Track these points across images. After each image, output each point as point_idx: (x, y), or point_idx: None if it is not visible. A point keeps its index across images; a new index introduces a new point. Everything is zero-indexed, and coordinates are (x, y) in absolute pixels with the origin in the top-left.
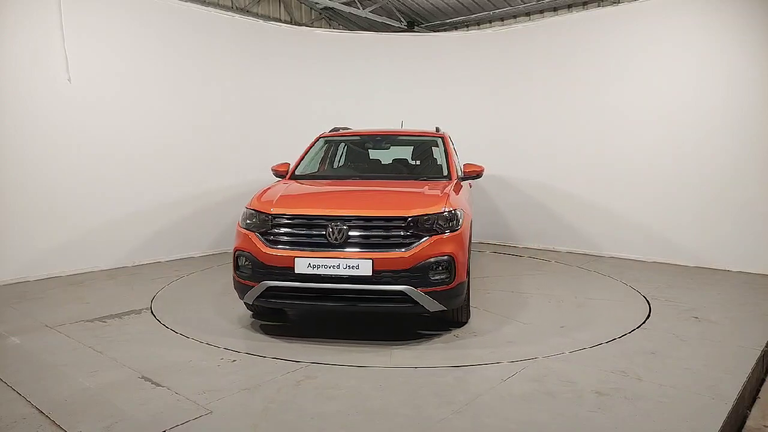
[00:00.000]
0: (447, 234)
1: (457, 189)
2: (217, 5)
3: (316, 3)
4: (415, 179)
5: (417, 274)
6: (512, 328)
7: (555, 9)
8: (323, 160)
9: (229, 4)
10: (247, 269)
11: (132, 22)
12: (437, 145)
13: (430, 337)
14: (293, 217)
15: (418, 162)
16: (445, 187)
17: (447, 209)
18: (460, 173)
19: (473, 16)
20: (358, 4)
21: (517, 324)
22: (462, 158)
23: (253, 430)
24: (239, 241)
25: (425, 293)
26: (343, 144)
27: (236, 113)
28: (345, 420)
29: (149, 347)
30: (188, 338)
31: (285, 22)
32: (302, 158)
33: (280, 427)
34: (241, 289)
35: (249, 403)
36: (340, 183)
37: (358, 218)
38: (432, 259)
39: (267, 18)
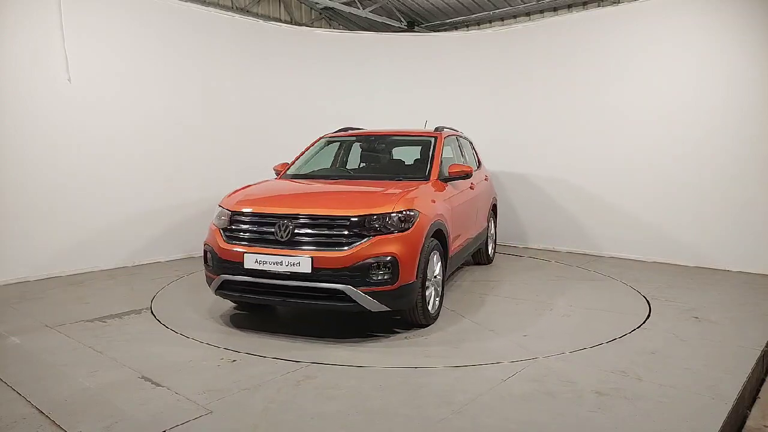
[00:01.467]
0: (393, 234)
1: (431, 190)
2: (217, 5)
3: (316, 3)
4: (393, 179)
5: (356, 273)
6: (513, 328)
7: (555, 9)
8: (323, 160)
9: (229, 4)
10: (211, 263)
11: (132, 22)
12: (430, 145)
13: (430, 336)
14: (248, 214)
15: (410, 162)
16: (410, 188)
17: (394, 210)
18: (445, 174)
19: (473, 16)
20: (358, 4)
21: (517, 324)
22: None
23: (253, 430)
24: (207, 236)
25: (365, 293)
26: (341, 144)
27: (236, 113)
28: (345, 420)
29: (149, 347)
30: (188, 338)
31: (285, 22)
32: (298, 158)
33: (280, 427)
34: (208, 281)
35: (249, 403)
36: (318, 183)
37: (304, 217)
38: (372, 259)
39: (267, 18)
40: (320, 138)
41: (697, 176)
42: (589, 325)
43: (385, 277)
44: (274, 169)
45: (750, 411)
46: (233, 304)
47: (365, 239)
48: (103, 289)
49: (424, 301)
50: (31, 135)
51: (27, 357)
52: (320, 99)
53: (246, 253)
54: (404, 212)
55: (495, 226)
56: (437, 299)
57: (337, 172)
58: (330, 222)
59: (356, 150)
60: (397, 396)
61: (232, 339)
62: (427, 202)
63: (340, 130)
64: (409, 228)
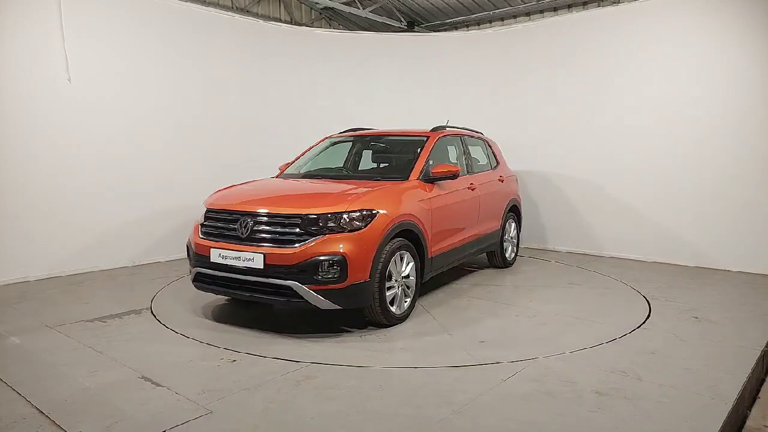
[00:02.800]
0: (344, 233)
1: (403, 190)
2: (217, 5)
3: (316, 3)
4: (373, 179)
5: (304, 270)
6: (514, 327)
7: (555, 9)
8: (321, 160)
9: (229, 4)
10: (190, 256)
11: (132, 22)
12: (421, 146)
13: (429, 337)
14: (217, 211)
15: (398, 162)
16: (378, 187)
17: (348, 209)
18: (428, 174)
19: (473, 16)
20: (358, 4)
21: (518, 323)
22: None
23: (253, 430)
24: (191, 232)
25: (314, 290)
26: (342, 144)
27: (236, 113)
28: (345, 420)
29: (149, 347)
30: (188, 338)
31: (285, 22)
32: (298, 157)
33: (280, 427)
34: (190, 273)
35: (249, 403)
36: (301, 182)
37: (262, 215)
38: (321, 258)
39: (267, 18)
40: (324, 138)
41: (698, 176)
42: (589, 325)
43: (334, 276)
44: (279, 168)
45: (750, 411)
46: (233, 305)
47: (316, 237)
48: (103, 289)
49: (383, 301)
50: (32, 135)
51: (27, 357)
52: (320, 99)
53: (212, 248)
54: (358, 212)
55: (517, 228)
56: (408, 300)
57: (328, 172)
58: (284, 220)
59: (352, 150)
60: (397, 396)
61: (232, 339)
62: (392, 201)
63: (348, 131)
64: (362, 227)
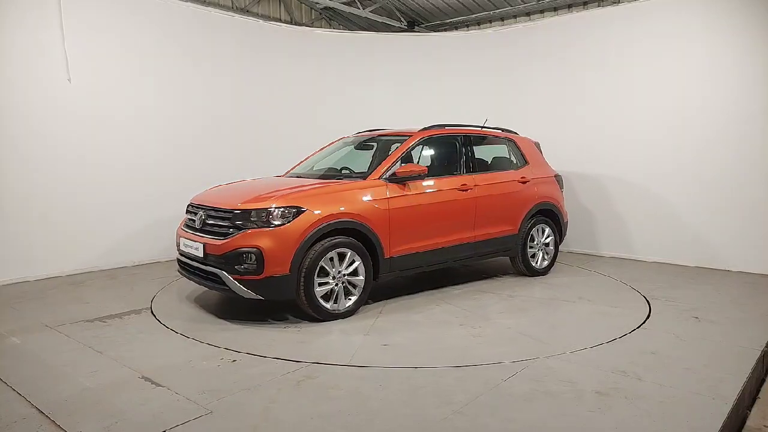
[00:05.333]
0: (265, 228)
1: (351, 188)
2: (217, 5)
3: (316, 3)
4: (336, 178)
5: (228, 261)
6: (516, 328)
7: (555, 9)
8: (322, 160)
9: (229, 4)
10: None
11: (132, 22)
12: (399, 145)
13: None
14: (190, 205)
15: (373, 162)
16: (318, 186)
17: (272, 206)
18: (394, 174)
19: (473, 16)
20: (358, 4)
21: (518, 324)
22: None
23: (253, 430)
24: None
25: (237, 280)
26: (345, 146)
27: (236, 114)
28: (345, 420)
29: (149, 347)
30: (188, 338)
31: (285, 22)
32: (308, 157)
33: (280, 427)
34: None
35: (249, 403)
36: (280, 180)
37: (209, 209)
38: (241, 250)
39: (267, 18)
40: (339, 139)
41: (698, 176)
42: (589, 325)
43: (251, 267)
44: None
45: (750, 411)
46: (233, 304)
47: (240, 231)
48: (103, 289)
49: (311, 296)
50: (31, 135)
51: (27, 357)
52: (320, 99)
53: (181, 237)
54: (281, 209)
55: (555, 235)
56: (353, 297)
57: (316, 172)
58: (222, 214)
59: (348, 151)
60: (398, 396)
61: (232, 339)
62: (327, 201)
63: (365, 131)
64: (285, 224)
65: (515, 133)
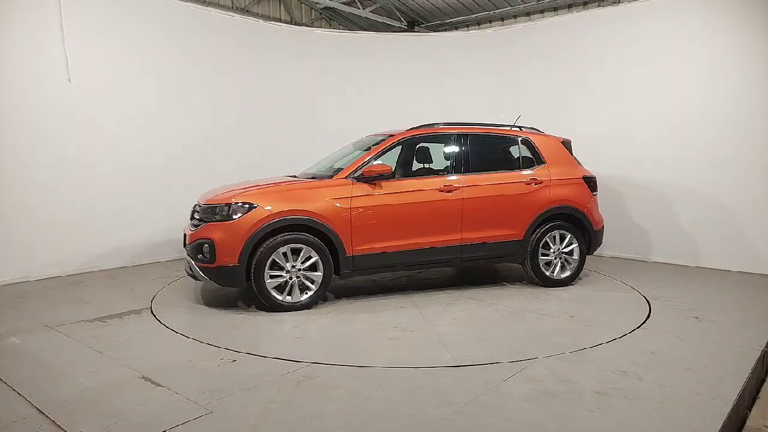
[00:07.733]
0: (220, 222)
1: (310, 188)
2: (217, 5)
3: (316, 3)
4: (312, 179)
5: (193, 250)
6: (517, 327)
7: (555, 9)
8: (327, 161)
9: (229, 4)
10: None
11: (132, 22)
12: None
13: (430, 337)
14: (194, 204)
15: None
16: (279, 184)
17: (231, 202)
18: (360, 174)
19: (473, 16)
20: (358, 4)
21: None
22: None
23: (253, 430)
24: None
25: (199, 267)
26: (345, 147)
27: (236, 114)
28: (345, 420)
29: (149, 347)
30: (188, 338)
31: (285, 22)
32: (323, 159)
33: (280, 427)
34: None
35: (249, 403)
36: (273, 179)
37: (197, 205)
38: (200, 241)
39: (267, 18)
40: (366, 136)
41: (698, 176)
42: (590, 325)
43: (206, 257)
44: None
45: (750, 411)
46: (233, 304)
47: (204, 224)
48: (103, 289)
49: (261, 287)
50: (31, 135)
51: (27, 357)
52: (320, 99)
53: (185, 231)
54: (234, 205)
55: (580, 243)
56: (309, 292)
57: (328, 172)
58: (199, 209)
59: (345, 152)
60: (398, 396)
61: (232, 339)
62: (282, 198)
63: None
64: (237, 218)
65: (538, 131)
